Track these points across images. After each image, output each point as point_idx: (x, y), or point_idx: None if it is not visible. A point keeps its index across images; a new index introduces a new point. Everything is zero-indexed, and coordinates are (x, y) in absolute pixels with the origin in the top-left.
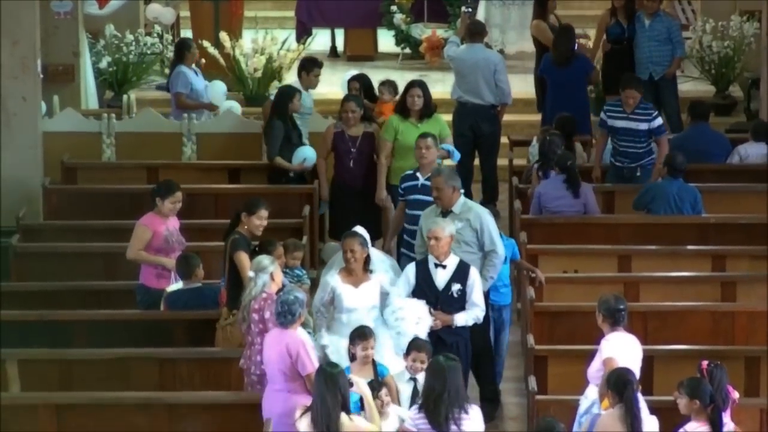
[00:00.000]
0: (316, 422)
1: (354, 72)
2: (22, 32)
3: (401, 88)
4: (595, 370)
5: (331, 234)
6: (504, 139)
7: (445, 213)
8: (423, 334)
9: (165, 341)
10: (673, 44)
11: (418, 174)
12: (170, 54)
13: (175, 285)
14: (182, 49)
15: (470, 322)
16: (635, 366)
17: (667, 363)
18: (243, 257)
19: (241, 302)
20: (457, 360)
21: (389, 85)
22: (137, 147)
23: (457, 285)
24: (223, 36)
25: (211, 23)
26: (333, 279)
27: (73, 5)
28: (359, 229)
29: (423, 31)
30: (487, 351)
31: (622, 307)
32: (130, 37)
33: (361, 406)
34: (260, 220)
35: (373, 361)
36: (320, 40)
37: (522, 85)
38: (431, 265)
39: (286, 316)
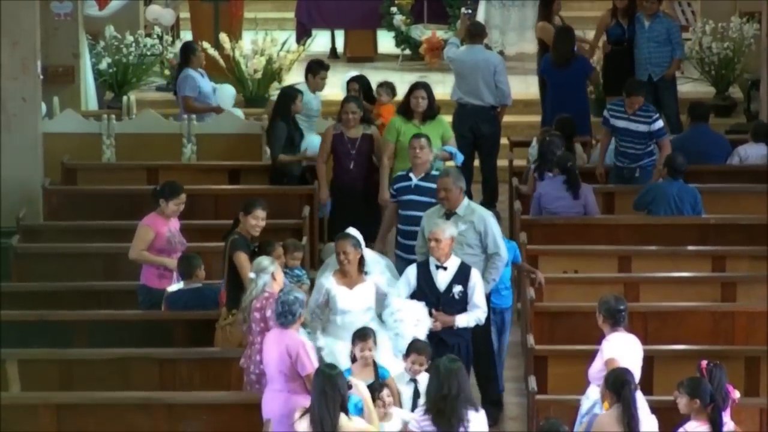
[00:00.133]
0: (315, 423)
1: (354, 73)
2: (22, 33)
3: (399, 90)
4: (596, 371)
5: (331, 235)
6: (504, 140)
7: (449, 214)
8: (422, 336)
9: (165, 341)
10: (672, 45)
11: (411, 174)
12: (170, 55)
13: (176, 285)
14: (188, 53)
15: (472, 324)
16: (636, 366)
17: (667, 363)
18: (242, 258)
19: (240, 302)
20: (461, 361)
21: (387, 86)
22: (137, 148)
23: (458, 287)
24: (223, 37)
25: (210, 24)
26: (327, 281)
27: (73, 6)
28: (352, 231)
29: (423, 33)
30: (489, 354)
31: (622, 307)
32: (130, 38)
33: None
34: (256, 220)
35: (375, 363)
36: (320, 42)
37: (522, 87)
38: (432, 267)
39: (286, 316)
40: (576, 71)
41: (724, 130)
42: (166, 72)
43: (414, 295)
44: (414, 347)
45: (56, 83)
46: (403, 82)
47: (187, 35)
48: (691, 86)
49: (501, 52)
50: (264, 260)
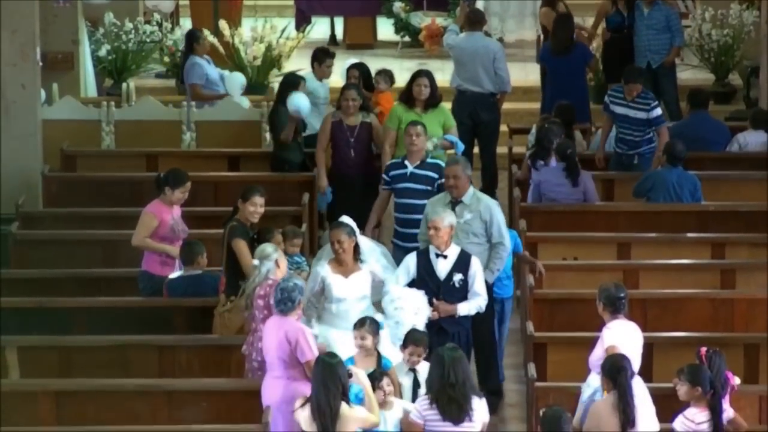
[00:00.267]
0: (316, 412)
1: (353, 60)
2: (22, 20)
3: (398, 78)
4: (597, 359)
5: (331, 223)
6: (503, 127)
7: (455, 203)
8: (421, 324)
9: (164, 328)
10: (671, 33)
11: (406, 162)
12: (169, 42)
13: (178, 272)
14: (192, 40)
15: (473, 312)
16: (636, 354)
17: (666, 350)
18: (240, 245)
19: (239, 289)
20: (460, 350)
21: (385, 74)
22: (136, 135)
23: (458, 275)
24: (223, 24)
25: (210, 12)
26: (323, 269)
27: None
28: (346, 219)
29: (422, 20)
30: (491, 344)
31: (622, 295)
32: (129, 25)
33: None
34: (254, 206)
35: (379, 354)
36: (319, 29)
37: (521, 74)
38: (432, 255)
39: (285, 303)
40: (575, 58)
41: (723, 117)
42: (166, 59)
43: (414, 284)
44: (411, 338)
45: (55, 70)
46: (402, 69)
47: (186, 22)
48: (690, 73)
49: (500, 39)
50: (268, 247)
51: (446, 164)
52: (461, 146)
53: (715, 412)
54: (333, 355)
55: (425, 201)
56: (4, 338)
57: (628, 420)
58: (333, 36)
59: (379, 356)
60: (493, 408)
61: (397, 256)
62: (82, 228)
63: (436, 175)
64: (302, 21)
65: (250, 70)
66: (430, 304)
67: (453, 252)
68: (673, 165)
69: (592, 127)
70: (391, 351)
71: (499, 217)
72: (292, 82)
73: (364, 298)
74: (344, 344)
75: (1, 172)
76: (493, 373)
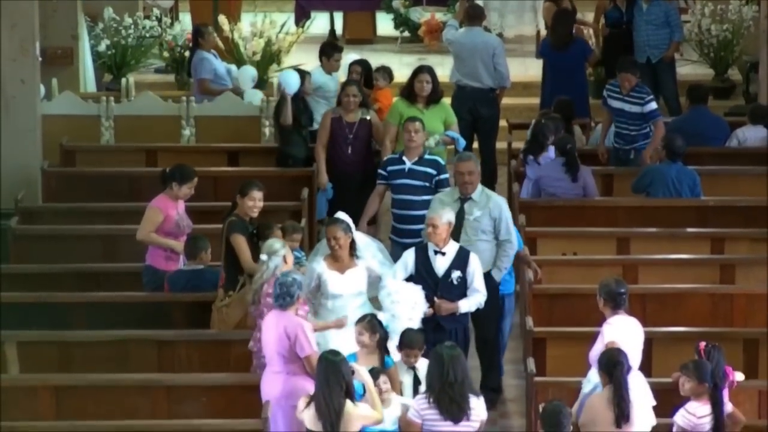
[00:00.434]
0: (320, 410)
1: (353, 56)
2: (21, 15)
3: (398, 73)
4: (597, 354)
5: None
6: (503, 123)
7: (464, 199)
8: (418, 318)
9: (164, 323)
10: (671, 28)
11: (404, 158)
12: (169, 37)
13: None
14: (197, 35)
15: (473, 308)
16: (637, 349)
17: (665, 345)
18: (239, 240)
19: (237, 283)
20: (458, 348)
21: (384, 71)
22: (136, 130)
23: (457, 272)
24: (222, 19)
25: (209, 7)
26: (319, 265)
27: None
28: (341, 215)
29: (422, 15)
30: (495, 342)
31: (623, 290)
32: (128, 20)
33: (363, 394)
34: (253, 201)
35: (381, 351)
36: (319, 24)
37: (520, 69)
38: (431, 252)
39: (284, 298)
40: (574, 54)
41: (723, 112)
42: (165, 54)
43: (411, 280)
44: (407, 342)
45: (55, 65)
46: (402, 65)
47: (185, 17)
48: (690, 68)
49: (500, 35)
50: (275, 243)
51: (459, 160)
52: (462, 143)
53: (717, 405)
54: (336, 353)
55: (423, 197)
56: (4, 333)
57: (623, 414)
58: (332, 31)
59: (382, 354)
60: (493, 403)
61: (395, 252)
62: (82, 223)
63: (434, 172)
64: (302, 16)
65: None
66: (430, 301)
67: (451, 249)
68: (672, 160)
69: (592, 122)
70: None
71: (508, 215)
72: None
73: (360, 294)
74: (343, 340)
75: (1, 167)
76: (495, 370)
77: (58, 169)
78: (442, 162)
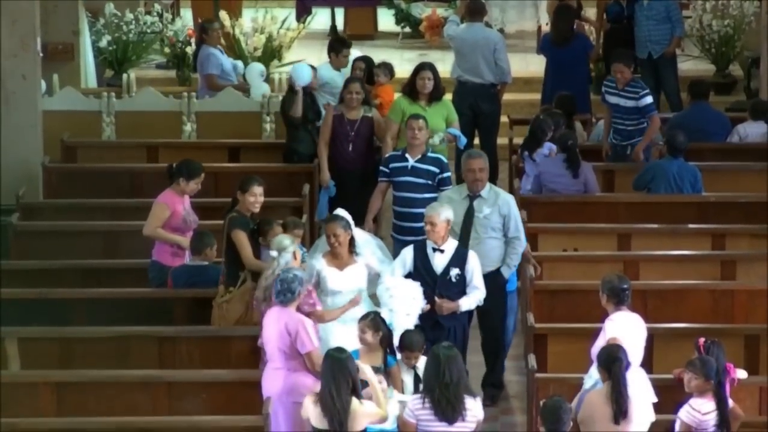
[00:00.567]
0: (327, 408)
1: (355, 52)
2: (22, 11)
3: (399, 69)
4: (599, 350)
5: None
6: (504, 118)
7: (473, 197)
8: (416, 314)
9: (165, 320)
10: (672, 23)
11: (407, 155)
12: (170, 33)
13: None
14: (201, 31)
15: (473, 306)
16: (639, 345)
17: (666, 341)
18: (240, 236)
19: (238, 279)
20: (455, 348)
21: (385, 67)
22: (137, 126)
23: (455, 269)
24: (223, 15)
25: (210, 2)
26: (318, 262)
27: None
28: (341, 212)
29: (423, 10)
30: (501, 340)
31: (626, 286)
32: (129, 15)
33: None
34: (254, 197)
35: (384, 350)
36: (320, 19)
37: (522, 64)
38: (429, 250)
39: (285, 294)
40: (575, 49)
41: (724, 107)
42: (166, 50)
43: (410, 277)
44: (406, 343)
45: (56, 61)
46: (403, 60)
47: (187, 13)
48: (691, 64)
49: (501, 30)
50: (285, 239)
51: (469, 157)
52: (464, 140)
53: (722, 402)
54: (342, 350)
55: (425, 195)
56: (5, 329)
57: (621, 410)
58: (333, 27)
59: (385, 352)
60: (492, 399)
61: (396, 249)
62: (83, 219)
63: (437, 170)
64: (303, 12)
65: (250, 61)
66: (429, 298)
67: (450, 247)
68: (673, 156)
69: (593, 117)
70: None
71: (516, 212)
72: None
73: (359, 291)
74: (345, 337)
75: (2, 163)
76: (498, 367)
77: (59, 165)
78: (445, 160)
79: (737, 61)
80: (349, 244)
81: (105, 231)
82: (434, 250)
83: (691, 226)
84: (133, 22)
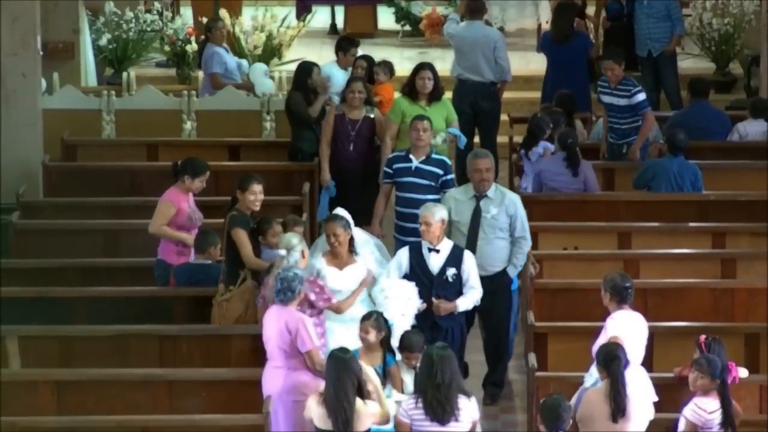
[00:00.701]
0: (332, 408)
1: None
2: (22, 9)
3: (399, 67)
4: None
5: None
6: (504, 117)
7: (480, 197)
8: (411, 314)
9: (165, 318)
10: (672, 21)
11: (411, 156)
12: (170, 31)
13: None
14: (206, 30)
15: (470, 306)
16: (641, 344)
17: (667, 340)
18: (240, 234)
19: (238, 278)
20: (450, 349)
21: (385, 65)
22: (137, 124)
23: (451, 269)
24: (223, 13)
25: (210, 0)
26: (318, 261)
27: None
28: (341, 212)
29: (423, 9)
30: (506, 339)
31: (628, 285)
32: (129, 14)
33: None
34: (254, 195)
35: (384, 349)
36: (320, 18)
37: (522, 63)
38: (425, 250)
39: (285, 292)
40: (576, 47)
41: (724, 106)
42: (166, 48)
43: (406, 278)
44: (406, 344)
45: (56, 59)
46: (403, 59)
47: (187, 11)
48: (691, 62)
49: (501, 28)
50: (293, 238)
51: (476, 156)
52: (464, 140)
53: (726, 400)
54: (346, 350)
55: (428, 196)
56: (5, 328)
57: (619, 409)
58: (333, 25)
59: (384, 351)
60: (492, 398)
61: (398, 249)
62: (83, 217)
63: (441, 172)
64: (303, 10)
65: (250, 59)
66: (427, 300)
67: (446, 246)
68: (674, 154)
69: (593, 116)
70: None
71: (522, 212)
72: (306, 68)
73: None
74: (344, 336)
75: (2, 161)
76: (501, 366)
77: (59, 163)
78: (449, 162)
79: (737, 60)
80: (349, 243)
81: (105, 229)
82: (430, 250)
83: (691, 224)
84: (133, 20)
